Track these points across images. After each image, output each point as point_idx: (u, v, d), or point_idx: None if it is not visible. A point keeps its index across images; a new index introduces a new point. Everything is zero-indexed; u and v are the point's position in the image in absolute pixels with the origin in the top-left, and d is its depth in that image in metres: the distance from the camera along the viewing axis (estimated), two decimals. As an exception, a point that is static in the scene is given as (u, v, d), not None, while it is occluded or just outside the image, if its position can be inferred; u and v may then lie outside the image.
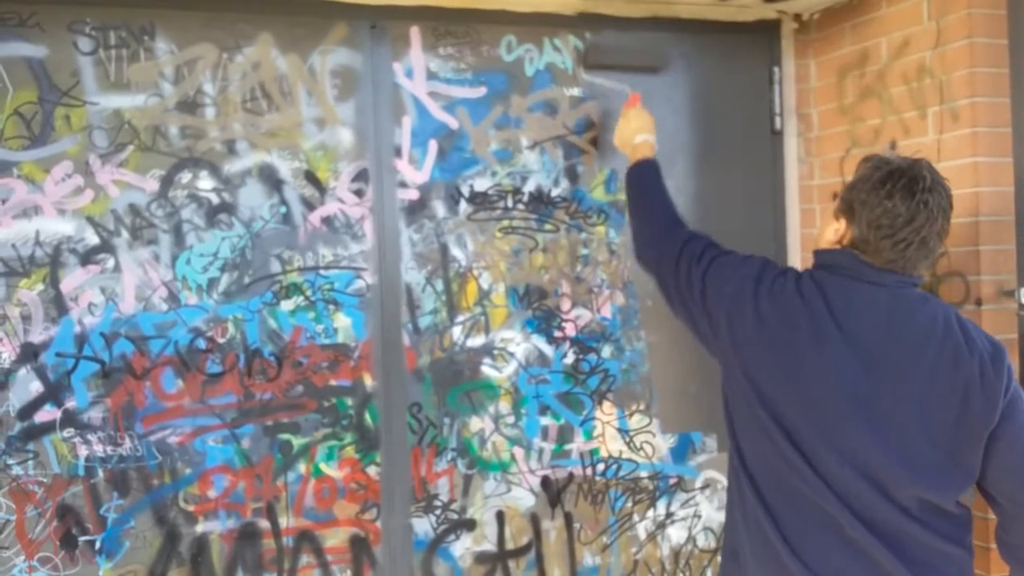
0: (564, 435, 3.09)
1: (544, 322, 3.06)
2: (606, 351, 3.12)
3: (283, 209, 2.83)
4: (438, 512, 2.97)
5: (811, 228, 3.28)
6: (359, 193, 2.89)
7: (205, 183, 2.76)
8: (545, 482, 3.07)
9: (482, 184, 3.00)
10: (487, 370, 3.01)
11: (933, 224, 1.91)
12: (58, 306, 2.65)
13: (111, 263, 2.69)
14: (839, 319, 1.94)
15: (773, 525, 1.96)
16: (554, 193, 3.07)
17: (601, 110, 3.08)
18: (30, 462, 2.63)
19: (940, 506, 1.91)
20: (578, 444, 3.10)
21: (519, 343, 3.04)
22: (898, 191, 1.90)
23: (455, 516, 2.99)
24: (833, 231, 2.03)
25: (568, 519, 3.10)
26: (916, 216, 1.89)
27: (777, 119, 3.28)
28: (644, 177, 2.53)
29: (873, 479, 1.88)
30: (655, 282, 2.38)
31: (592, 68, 3.07)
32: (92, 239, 2.68)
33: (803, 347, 1.94)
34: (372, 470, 2.91)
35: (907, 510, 1.89)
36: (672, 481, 3.19)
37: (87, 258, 2.67)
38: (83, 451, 2.67)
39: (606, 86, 3.05)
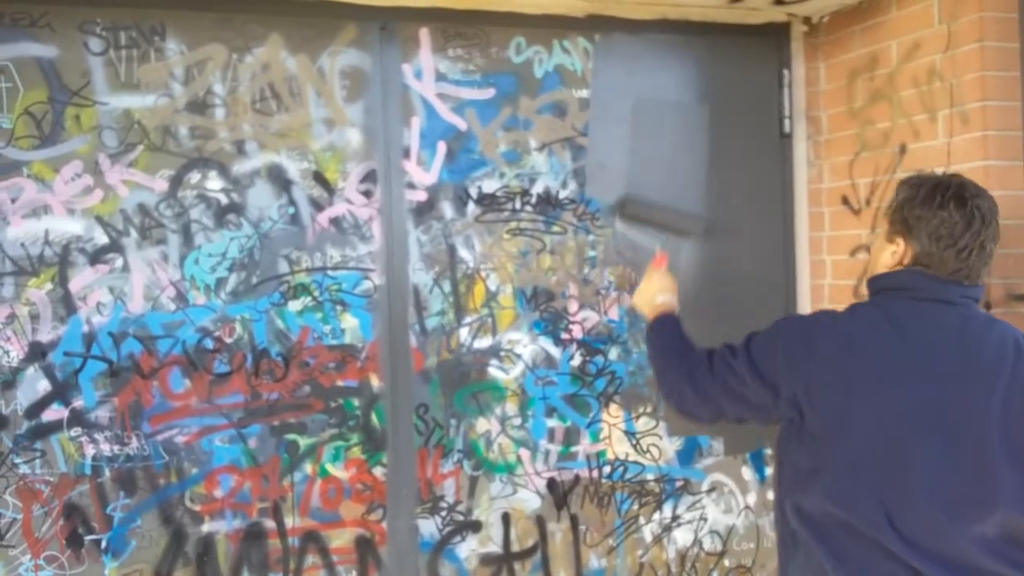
0: (570, 437, 3.08)
1: (551, 324, 3.06)
2: (613, 353, 3.11)
3: (291, 209, 2.83)
4: (444, 513, 2.97)
5: (820, 231, 3.27)
6: (367, 194, 2.89)
7: (214, 183, 2.77)
8: (551, 484, 3.07)
9: (490, 185, 3.00)
10: (494, 371, 3.01)
11: (988, 228, 1.93)
12: (66, 305, 2.66)
13: (120, 263, 2.70)
14: (909, 342, 1.90)
15: (834, 563, 1.90)
16: (562, 195, 3.06)
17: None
18: (37, 461, 2.64)
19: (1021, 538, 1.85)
20: (584, 446, 3.09)
21: (526, 345, 3.04)
22: (949, 201, 1.92)
23: (461, 517, 2.99)
24: (890, 254, 2.02)
25: (574, 521, 3.09)
26: (972, 222, 1.91)
27: (786, 122, 3.27)
28: (668, 333, 2.38)
29: (950, 507, 1.82)
30: (705, 414, 2.21)
31: (628, 219, 3.01)
32: (101, 239, 2.68)
33: (871, 374, 1.89)
34: (378, 471, 2.91)
35: (984, 539, 1.83)
36: (678, 484, 3.18)
37: (96, 257, 2.68)
38: (90, 450, 2.67)
39: (636, 240, 3.03)
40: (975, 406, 1.85)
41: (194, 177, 2.76)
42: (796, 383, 1.96)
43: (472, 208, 2.99)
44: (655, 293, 2.51)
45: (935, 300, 1.95)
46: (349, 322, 2.88)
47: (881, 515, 1.84)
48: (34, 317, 2.64)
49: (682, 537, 3.20)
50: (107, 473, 2.69)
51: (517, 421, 3.03)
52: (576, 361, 3.08)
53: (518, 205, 3.03)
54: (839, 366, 1.92)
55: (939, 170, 2.75)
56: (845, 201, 3.17)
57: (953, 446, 1.84)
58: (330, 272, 2.86)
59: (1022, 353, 1.91)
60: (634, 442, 3.14)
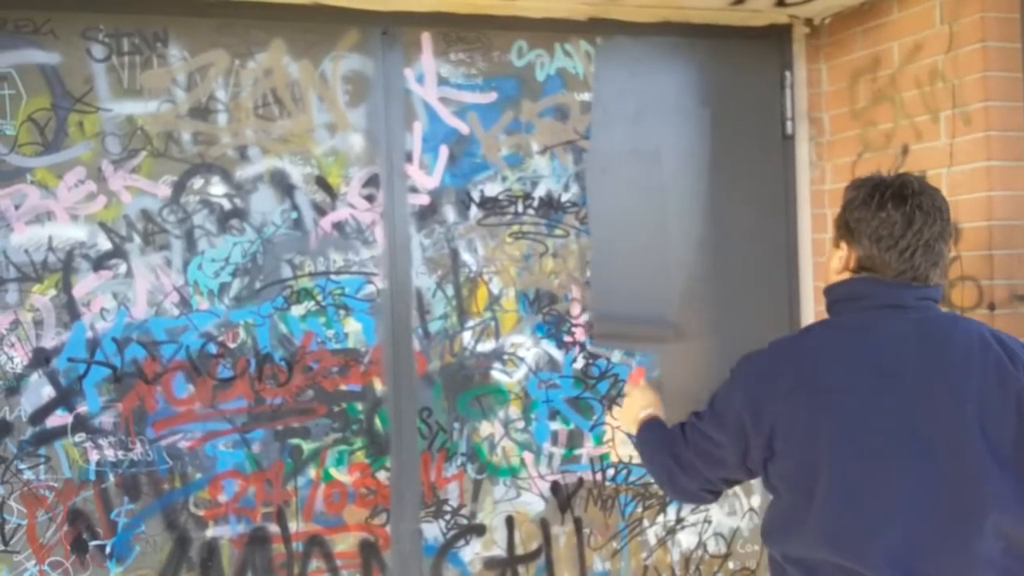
0: (574, 440, 3.08)
1: (554, 327, 3.06)
2: (616, 356, 3.11)
3: (294, 214, 2.84)
4: (448, 517, 2.97)
5: (823, 233, 3.27)
6: (370, 198, 2.90)
7: (217, 188, 2.78)
8: (555, 487, 3.07)
9: (492, 189, 3.00)
10: (497, 375, 3.01)
11: (932, 226, 1.88)
12: (70, 311, 2.66)
13: (123, 268, 2.71)
14: (870, 357, 1.86)
15: None
16: (564, 198, 3.06)
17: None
18: (41, 466, 2.64)
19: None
20: (588, 449, 3.09)
21: (529, 348, 3.04)
22: (888, 200, 1.88)
23: (465, 521, 2.99)
24: (838, 259, 1.99)
25: (578, 524, 3.09)
26: (913, 220, 1.87)
27: (789, 123, 3.27)
28: (652, 428, 2.33)
29: (943, 524, 1.77)
30: (696, 488, 2.16)
31: (599, 339, 3.09)
32: (104, 244, 2.69)
33: (838, 400, 1.84)
34: (382, 475, 2.91)
35: (990, 560, 1.77)
36: (683, 487, 3.18)
37: (99, 263, 2.69)
38: (94, 455, 2.68)
39: (610, 355, 3.11)
40: (948, 411, 1.81)
41: (197, 183, 2.76)
42: (762, 427, 1.91)
43: (474, 212, 2.99)
44: (638, 411, 2.46)
45: (889, 307, 1.90)
46: (352, 326, 2.88)
47: (872, 550, 1.78)
48: (38, 323, 2.64)
49: (686, 540, 3.19)
50: (111, 478, 2.69)
51: (520, 424, 3.03)
52: (579, 364, 3.08)
53: (520, 208, 3.03)
54: (801, 401, 1.86)
55: (941, 171, 2.77)
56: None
57: (932, 457, 1.79)
58: (333, 276, 2.87)
59: (990, 347, 1.86)
60: (638, 445, 3.13)
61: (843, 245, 1.97)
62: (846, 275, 1.98)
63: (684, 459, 2.11)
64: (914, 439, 1.80)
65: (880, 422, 1.82)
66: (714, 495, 2.14)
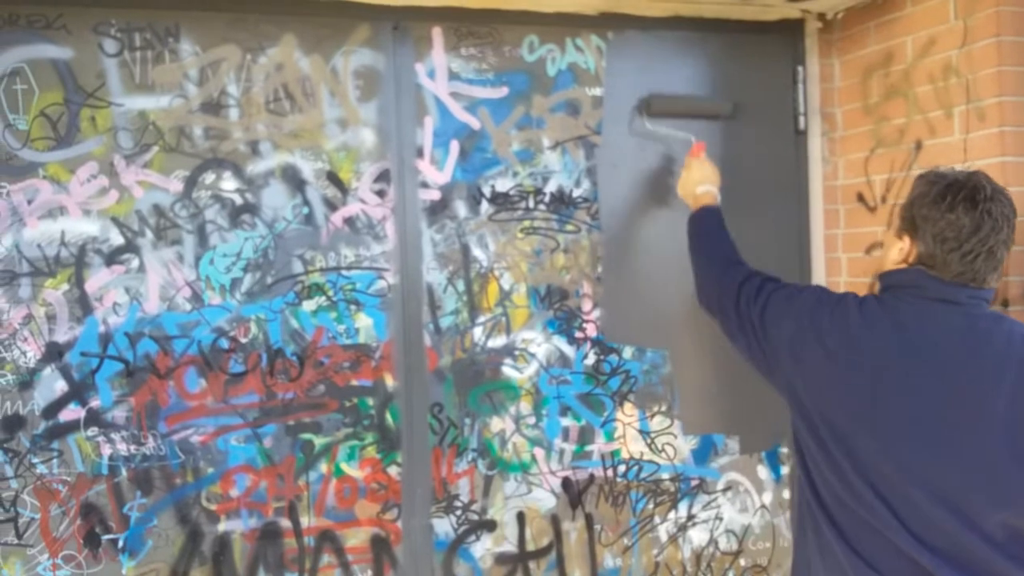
0: (585, 436, 3.08)
1: (565, 323, 3.06)
2: (627, 352, 3.11)
3: (305, 210, 2.84)
4: (459, 513, 2.97)
5: (835, 229, 3.26)
6: (381, 194, 2.90)
7: (228, 184, 2.78)
8: (566, 483, 3.07)
9: (503, 184, 3.00)
10: (508, 371, 3.01)
11: (999, 233, 1.88)
12: (83, 306, 2.67)
13: (135, 263, 2.71)
14: (913, 342, 1.88)
15: (847, 552, 1.91)
16: (575, 193, 3.06)
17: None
18: (55, 461, 2.65)
19: None
20: (599, 445, 3.09)
21: (540, 344, 3.03)
22: (960, 203, 1.88)
23: (476, 517, 2.99)
24: (898, 251, 2.00)
25: (589, 520, 3.09)
26: (981, 226, 1.87)
27: (801, 119, 3.26)
28: (705, 223, 2.50)
29: (955, 507, 1.80)
30: (718, 326, 2.33)
31: (656, 115, 3.06)
32: (117, 239, 2.70)
33: (874, 374, 1.88)
34: (393, 470, 2.91)
35: (992, 539, 1.80)
36: (694, 483, 3.18)
37: (112, 258, 2.69)
38: (107, 450, 2.69)
39: (669, 135, 3.04)
40: (977, 406, 1.83)
41: (209, 178, 2.77)
42: (796, 373, 2.00)
43: (485, 207, 2.99)
44: (696, 183, 2.60)
45: (940, 300, 1.92)
46: (363, 321, 2.88)
47: (889, 514, 1.84)
48: (51, 318, 2.65)
49: (697, 536, 3.19)
50: (124, 473, 2.70)
51: (531, 420, 3.02)
52: (590, 360, 3.08)
53: (531, 204, 3.03)
54: (839, 364, 1.92)
55: (958, 166, 2.75)
56: (860, 198, 3.15)
57: (955, 447, 1.81)
58: (344, 272, 2.87)
59: None
60: (649, 441, 3.13)
61: (906, 239, 1.98)
62: (903, 266, 1.99)
63: (726, 306, 2.25)
64: (940, 427, 1.83)
65: (909, 405, 1.85)
66: (720, 315, 2.32)
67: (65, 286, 2.66)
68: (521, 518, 3.03)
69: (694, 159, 2.70)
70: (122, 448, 2.70)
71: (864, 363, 1.90)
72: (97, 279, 2.68)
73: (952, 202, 1.88)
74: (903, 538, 1.83)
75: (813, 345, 1.98)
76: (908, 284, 1.96)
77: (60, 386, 2.66)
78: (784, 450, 3.24)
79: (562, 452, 3.06)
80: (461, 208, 2.97)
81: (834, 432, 1.92)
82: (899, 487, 1.84)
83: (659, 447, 3.14)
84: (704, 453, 3.19)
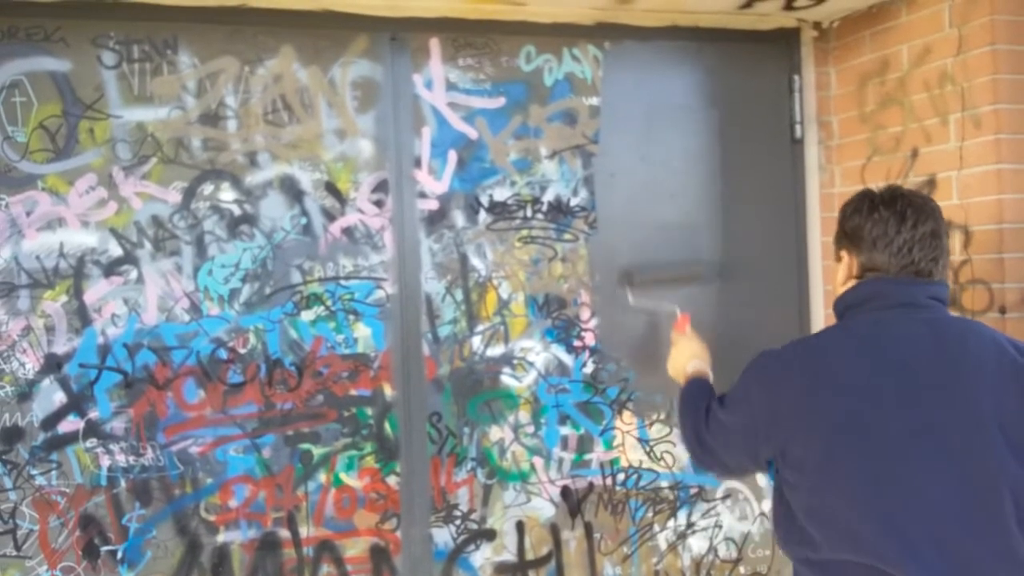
0: (584, 445, 3.08)
1: (563, 331, 3.06)
2: (625, 360, 3.11)
3: (304, 220, 2.84)
4: (458, 522, 2.97)
5: (831, 236, 3.25)
6: (379, 204, 2.90)
7: (227, 195, 2.79)
8: (565, 492, 3.06)
9: (501, 194, 3.01)
10: (507, 380, 3.01)
11: (925, 222, 1.96)
12: (81, 317, 2.67)
13: (134, 274, 2.71)
14: (885, 360, 1.87)
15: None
16: (573, 203, 3.07)
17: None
18: (53, 472, 2.65)
19: None
20: (598, 454, 3.09)
21: (538, 353, 3.04)
22: (879, 204, 1.99)
23: (475, 526, 2.99)
24: (843, 269, 2.07)
25: (588, 529, 3.08)
26: (905, 217, 1.96)
27: (797, 127, 3.27)
28: (691, 391, 2.37)
29: (967, 522, 1.75)
30: (714, 467, 2.21)
31: (637, 288, 3.06)
32: (115, 251, 2.70)
33: (856, 405, 1.85)
34: (392, 480, 2.91)
35: (1017, 561, 1.75)
36: (693, 491, 3.17)
37: (110, 269, 2.70)
38: (105, 461, 2.69)
39: (655, 308, 3.05)
40: (966, 409, 1.81)
41: (207, 189, 2.77)
42: (777, 423, 1.93)
43: (483, 216, 2.99)
44: (685, 361, 2.50)
45: (900, 306, 1.94)
46: (362, 331, 2.89)
47: (899, 551, 1.75)
48: (49, 329, 2.65)
49: (697, 544, 3.19)
50: (123, 484, 2.70)
51: (530, 429, 3.03)
52: (589, 368, 3.08)
53: (529, 213, 3.04)
54: (818, 399, 1.88)
55: (951, 174, 2.77)
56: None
57: (951, 454, 1.79)
58: (343, 282, 2.87)
59: (1004, 350, 1.88)
60: (648, 449, 3.13)
61: (844, 255, 2.06)
62: (852, 283, 2.02)
63: (706, 442, 2.16)
64: (932, 436, 1.80)
65: (897, 420, 1.82)
66: (731, 474, 2.19)
67: (64, 297, 2.66)
68: (520, 527, 3.03)
69: (681, 335, 2.62)
70: (121, 459, 2.70)
71: (837, 395, 1.87)
72: (96, 290, 2.69)
73: (872, 205, 2.00)
74: (915, 571, 1.74)
75: (784, 396, 1.93)
76: (864, 298, 1.98)
77: (59, 397, 2.66)
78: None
79: (561, 461, 3.06)
80: (459, 218, 2.97)
81: (820, 479, 1.85)
82: (901, 515, 1.76)
83: (658, 455, 3.14)
84: (703, 461, 3.18)
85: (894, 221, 1.96)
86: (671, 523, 3.16)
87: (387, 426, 2.91)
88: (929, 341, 1.88)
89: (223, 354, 2.77)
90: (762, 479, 3.24)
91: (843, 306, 2.03)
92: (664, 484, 3.15)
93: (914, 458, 1.80)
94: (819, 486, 1.86)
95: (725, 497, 3.21)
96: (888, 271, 1.96)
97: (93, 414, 2.68)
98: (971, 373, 1.84)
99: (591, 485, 3.09)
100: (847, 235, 2.05)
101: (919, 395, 1.83)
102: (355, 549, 2.89)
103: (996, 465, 1.78)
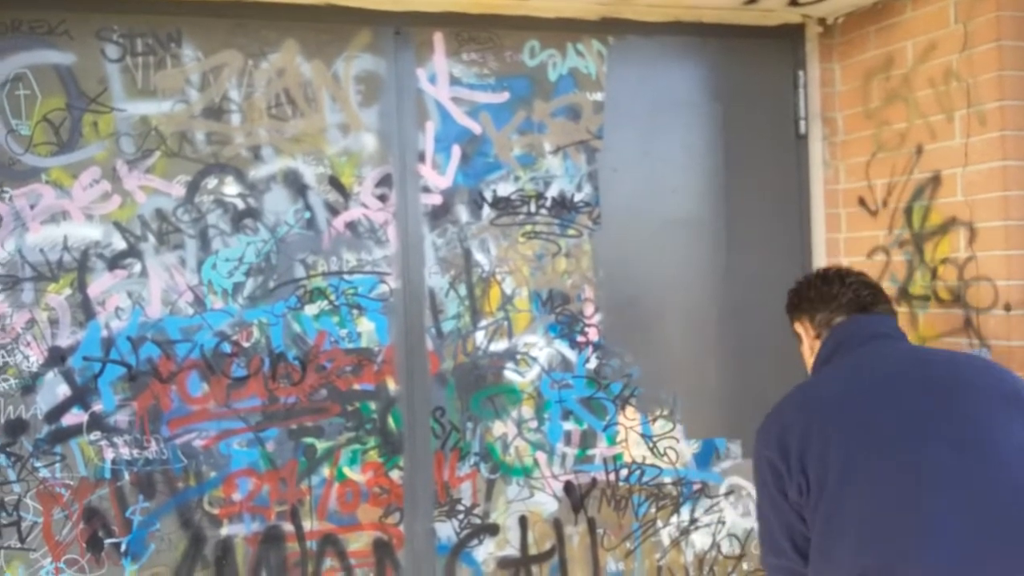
0: (587, 440, 3.08)
1: (567, 327, 3.06)
2: (629, 356, 3.11)
3: (307, 214, 2.84)
4: (461, 517, 2.98)
5: (836, 232, 3.26)
6: (383, 198, 2.90)
7: (231, 188, 2.79)
8: (568, 487, 3.07)
9: (505, 189, 3.01)
10: (510, 375, 3.01)
11: (857, 275, 2.29)
12: (85, 310, 2.68)
13: (138, 268, 2.72)
14: (882, 383, 1.96)
15: None
16: (577, 198, 3.06)
17: None
18: (57, 465, 2.66)
19: None
20: (601, 449, 3.09)
21: (542, 348, 3.04)
22: (813, 276, 2.34)
23: (478, 521, 2.99)
24: (807, 338, 2.29)
25: (591, 524, 3.09)
26: (836, 276, 2.28)
27: (802, 123, 3.26)
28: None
29: (996, 528, 1.74)
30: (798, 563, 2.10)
31: None
32: (119, 244, 2.70)
33: (866, 427, 1.89)
34: (395, 474, 2.91)
35: None
36: (696, 487, 3.17)
37: (114, 263, 2.70)
38: (109, 454, 2.69)
39: None
40: (970, 420, 1.85)
41: (211, 182, 2.77)
42: (796, 469, 1.95)
43: (487, 212, 2.99)
44: None
45: (873, 337, 2.12)
46: (365, 326, 2.89)
47: (918, 548, 1.76)
48: (53, 322, 2.66)
49: (700, 540, 3.19)
50: (126, 477, 2.71)
51: (533, 424, 3.03)
52: (592, 364, 3.08)
53: (533, 208, 3.03)
54: (825, 436, 1.91)
55: (956, 171, 2.78)
56: (862, 202, 3.15)
57: (971, 459, 1.80)
58: (346, 276, 2.87)
59: (970, 356, 2.06)
60: (651, 445, 3.13)
61: (799, 327, 2.32)
62: (818, 344, 2.22)
63: (776, 549, 2.09)
64: (944, 450, 1.81)
65: (905, 440, 1.85)
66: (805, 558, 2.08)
67: (68, 291, 2.67)
68: (523, 522, 3.03)
69: None
70: (124, 452, 2.70)
71: (844, 421, 1.92)
72: (100, 283, 2.69)
73: (808, 279, 2.34)
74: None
75: (793, 445, 1.95)
76: (837, 345, 2.14)
77: (63, 390, 2.66)
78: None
79: (564, 456, 3.06)
80: (463, 212, 2.97)
81: (836, 508, 1.86)
82: (930, 533, 1.75)
83: (661, 451, 3.14)
84: (706, 457, 3.19)
85: (830, 277, 2.28)
86: (674, 519, 3.16)
87: (390, 421, 2.91)
88: (918, 365, 2.01)
89: (227, 348, 2.78)
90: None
91: (820, 361, 2.19)
92: (667, 480, 3.15)
93: (928, 475, 1.80)
94: (832, 521, 1.86)
95: (728, 493, 3.21)
96: (839, 313, 2.19)
97: (97, 407, 2.68)
98: (960, 378, 1.94)
99: (594, 480, 3.09)
100: (796, 307, 2.33)
101: (921, 414, 1.87)
102: (358, 543, 2.89)
103: (1016, 471, 1.79)
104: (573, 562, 3.07)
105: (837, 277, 2.28)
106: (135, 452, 2.71)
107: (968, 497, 1.76)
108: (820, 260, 3.27)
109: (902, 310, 2.99)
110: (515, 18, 2.97)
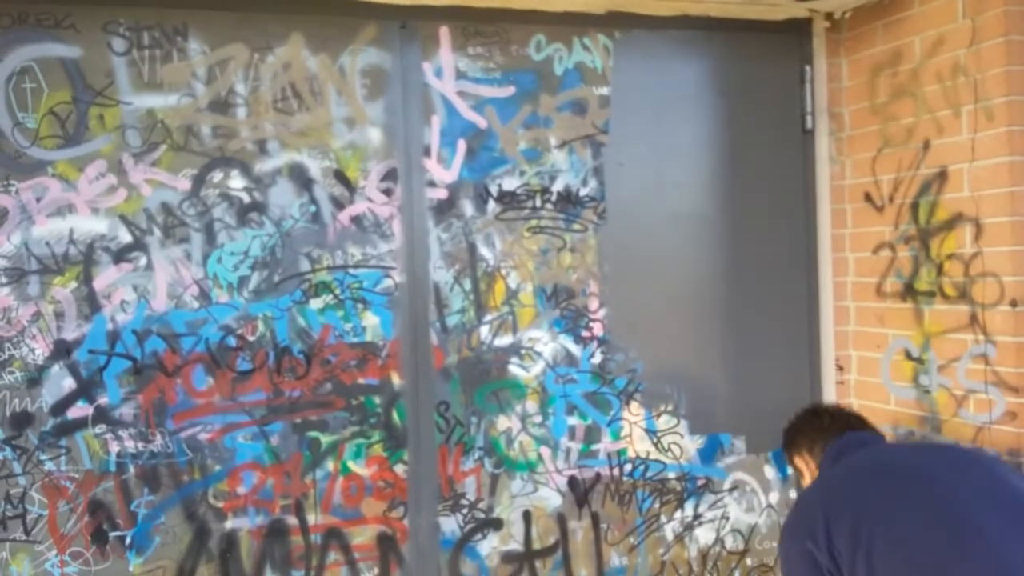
0: (591, 435, 3.08)
1: (571, 322, 3.06)
2: (633, 351, 3.11)
3: (313, 208, 2.84)
4: (465, 511, 2.98)
5: (842, 228, 3.25)
6: (388, 192, 2.90)
7: (236, 182, 2.79)
8: (572, 482, 3.07)
9: (510, 183, 3.00)
10: (514, 369, 3.01)
11: (835, 406, 2.65)
12: (91, 303, 2.68)
13: (143, 261, 2.72)
14: (892, 469, 2.14)
15: None
16: (582, 193, 3.06)
17: None
18: (62, 458, 2.66)
19: None
20: (605, 444, 3.09)
21: (546, 342, 3.04)
22: (801, 415, 2.60)
23: (482, 515, 2.99)
24: (807, 470, 2.50)
25: (595, 519, 3.09)
26: (821, 411, 2.58)
27: (808, 118, 3.25)
28: None
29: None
30: None
31: None
32: (125, 237, 2.71)
33: (887, 509, 2.03)
34: (399, 468, 2.92)
35: None
36: (700, 482, 3.17)
37: (120, 256, 2.70)
38: (114, 447, 2.69)
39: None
40: (981, 490, 2.02)
41: (216, 176, 2.77)
42: (824, 550, 2.09)
43: (492, 206, 2.99)
44: None
45: (874, 441, 2.38)
46: (370, 320, 2.89)
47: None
48: (59, 315, 2.66)
49: (704, 536, 3.19)
50: (131, 470, 2.71)
51: (538, 419, 3.03)
52: (596, 359, 3.08)
53: (538, 203, 3.03)
54: (847, 523, 2.04)
55: (963, 166, 2.76)
56: (868, 198, 3.14)
57: (999, 514, 1.97)
58: (351, 270, 2.87)
59: (979, 450, 2.32)
60: (655, 440, 3.13)
61: (799, 460, 2.53)
62: (818, 473, 2.43)
63: None
64: (964, 522, 1.96)
65: (927, 514, 2.00)
66: None
67: (73, 284, 2.67)
68: (527, 516, 3.03)
69: None
70: (130, 445, 2.71)
71: (865, 509, 2.05)
72: (105, 277, 2.69)
73: (797, 417, 2.59)
74: None
75: (820, 537, 2.08)
76: (837, 454, 2.34)
77: (68, 383, 2.67)
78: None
79: (568, 451, 3.06)
80: (468, 207, 2.97)
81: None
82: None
83: (665, 446, 3.14)
84: (710, 452, 3.19)
85: (818, 413, 2.56)
86: (678, 514, 3.16)
87: (395, 415, 2.91)
88: (917, 453, 2.26)
89: (232, 341, 2.78)
90: (769, 471, 3.24)
91: (824, 468, 2.39)
92: (671, 475, 3.15)
93: (957, 548, 1.93)
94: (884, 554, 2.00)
95: (732, 489, 3.21)
96: (833, 435, 2.41)
97: (102, 400, 2.69)
98: (967, 465, 2.13)
99: (598, 475, 3.09)
100: (792, 443, 2.56)
101: (936, 492, 2.03)
102: (362, 537, 2.90)
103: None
104: (577, 557, 3.07)
105: (824, 411, 2.57)
106: (140, 445, 2.71)
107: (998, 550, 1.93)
108: (825, 255, 3.26)
109: (908, 306, 2.98)
110: (521, 12, 2.97)
